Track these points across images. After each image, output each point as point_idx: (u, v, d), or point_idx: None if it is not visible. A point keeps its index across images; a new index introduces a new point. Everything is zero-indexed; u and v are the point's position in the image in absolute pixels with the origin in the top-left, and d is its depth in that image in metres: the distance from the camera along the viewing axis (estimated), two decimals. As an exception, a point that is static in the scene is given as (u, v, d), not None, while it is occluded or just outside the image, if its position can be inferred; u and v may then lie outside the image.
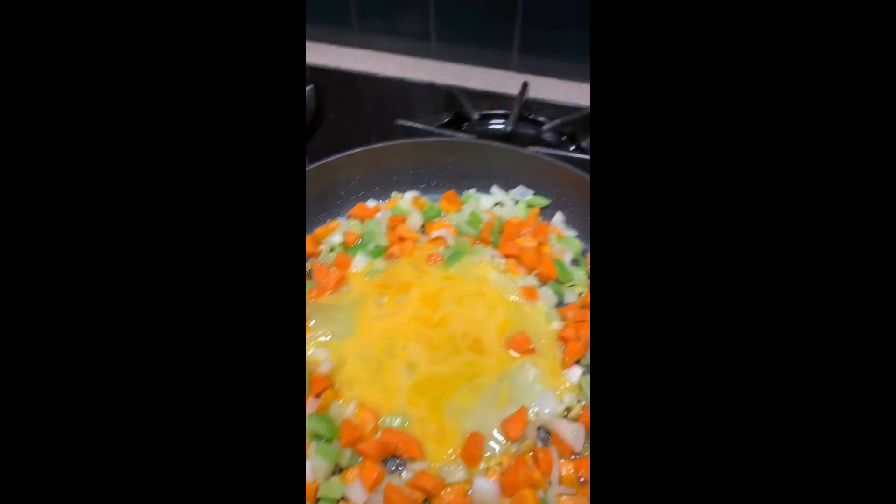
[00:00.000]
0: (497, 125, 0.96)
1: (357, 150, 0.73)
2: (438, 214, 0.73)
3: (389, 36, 1.17)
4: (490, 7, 1.04)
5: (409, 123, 0.89)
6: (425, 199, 0.76)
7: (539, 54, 1.09)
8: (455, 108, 0.99)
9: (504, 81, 1.11)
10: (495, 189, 0.77)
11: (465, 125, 0.98)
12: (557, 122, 0.92)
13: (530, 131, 0.97)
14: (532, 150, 0.84)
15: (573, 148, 0.95)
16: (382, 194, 0.77)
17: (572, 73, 1.10)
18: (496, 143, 0.76)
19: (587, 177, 0.69)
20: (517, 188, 0.76)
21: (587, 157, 0.86)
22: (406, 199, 0.75)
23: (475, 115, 0.95)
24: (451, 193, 0.76)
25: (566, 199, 0.73)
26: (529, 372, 0.57)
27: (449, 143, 0.78)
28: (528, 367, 0.58)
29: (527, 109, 1.00)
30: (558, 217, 0.73)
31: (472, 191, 0.77)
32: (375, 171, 0.76)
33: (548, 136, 0.97)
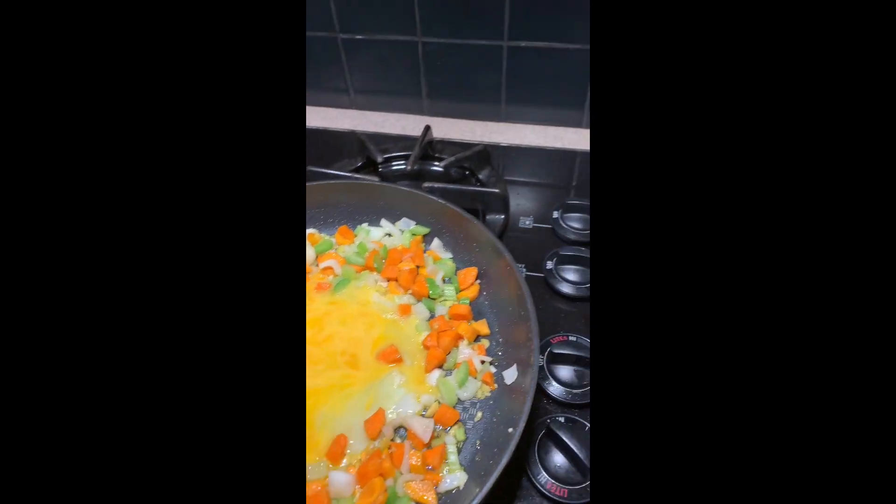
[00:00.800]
0: (401, 165, 1.07)
1: (256, 196, 0.83)
2: (331, 247, 0.83)
3: (313, 90, 1.29)
4: (396, 61, 1.17)
5: (318, 169, 1.00)
6: (321, 235, 0.85)
7: (445, 99, 1.22)
8: (365, 152, 1.10)
9: (417, 125, 1.23)
10: (384, 221, 0.86)
11: (379, 167, 1.09)
12: (452, 159, 1.03)
13: (436, 168, 1.08)
14: (427, 185, 0.95)
15: (475, 181, 1.06)
16: (284, 233, 0.87)
17: (475, 114, 1.22)
18: (383, 183, 0.87)
19: (457, 209, 0.79)
20: (402, 220, 0.85)
21: (476, 188, 0.97)
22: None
23: (380, 158, 1.06)
24: (344, 228, 0.85)
25: (443, 227, 0.83)
26: (395, 379, 0.65)
27: (343, 184, 0.88)
28: (394, 375, 0.66)
29: (433, 149, 1.12)
30: (436, 242, 0.82)
31: (364, 224, 0.87)
32: (277, 213, 0.86)
33: (453, 172, 1.08)
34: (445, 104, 1.23)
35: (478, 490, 0.52)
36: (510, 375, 0.64)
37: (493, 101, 1.19)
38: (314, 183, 0.89)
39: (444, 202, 0.80)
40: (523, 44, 1.08)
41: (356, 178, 0.97)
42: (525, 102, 1.18)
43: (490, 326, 0.71)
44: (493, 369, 0.67)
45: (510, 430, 0.57)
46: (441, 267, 0.77)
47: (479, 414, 0.63)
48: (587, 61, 1.07)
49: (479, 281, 0.77)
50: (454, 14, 1.07)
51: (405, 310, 0.73)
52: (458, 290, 0.75)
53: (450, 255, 0.81)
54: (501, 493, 0.57)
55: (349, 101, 1.29)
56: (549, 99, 1.16)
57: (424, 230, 0.84)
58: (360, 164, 1.10)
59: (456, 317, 0.71)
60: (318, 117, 1.28)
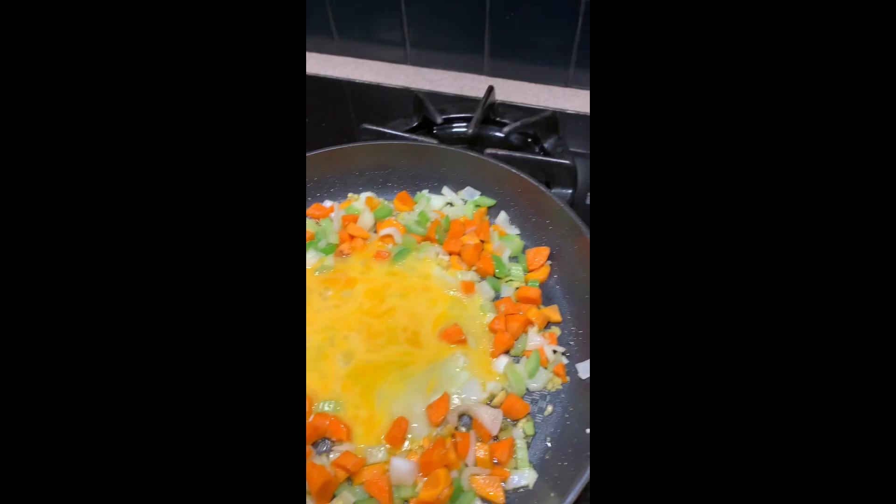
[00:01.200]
0: (460, 128, 1.00)
1: (314, 152, 0.77)
2: (390, 214, 0.77)
3: (367, 43, 1.21)
4: (459, 14, 1.08)
5: (375, 127, 0.94)
6: (379, 200, 0.80)
7: (509, 59, 1.12)
8: (422, 112, 1.02)
9: (476, 85, 1.14)
10: (446, 190, 0.80)
11: (434, 129, 1.02)
12: (517, 124, 0.95)
13: (497, 133, 1.01)
14: (489, 152, 0.87)
15: (538, 149, 0.98)
16: (339, 195, 0.82)
17: (541, 77, 1.13)
18: (446, 146, 0.80)
19: (531, 179, 0.72)
20: (466, 189, 0.79)
21: (543, 158, 0.89)
22: (360, 200, 0.79)
23: (439, 119, 0.99)
24: (403, 194, 0.79)
25: (510, 199, 0.76)
26: (459, 361, 0.61)
27: (403, 145, 0.81)
28: (458, 357, 0.61)
29: (494, 112, 1.04)
30: (502, 216, 0.76)
31: (425, 191, 0.81)
32: (333, 172, 0.80)
33: (514, 139, 1.00)
34: (508, 65, 1.14)
35: (552, 494, 0.48)
36: (584, 369, 0.59)
37: (562, 64, 1.09)
38: (370, 143, 0.83)
39: (515, 171, 0.73)
40: None
41: (417, 140, 0.90)
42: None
43: (562, 313, 0.66)
44: (565, 360, 0.62)
45: (587, 430, 0.52)
46: (508, 244, 0.71)
47: (550, 408, 0.59)
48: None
49: (549, 262, 0.70)
50: (530, -39, 0.97)
51: (468, 287, 0.68)
52: (527, 271, 0.70)
53: (517, 232, 0.75)
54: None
55: (405, 55, 1.20)
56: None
57: (490, 202, 0.77)
58: (415, 125, 1.03)
59: (524, 300, 0.66)
60: (371, 71, 1.20)
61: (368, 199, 0.79)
